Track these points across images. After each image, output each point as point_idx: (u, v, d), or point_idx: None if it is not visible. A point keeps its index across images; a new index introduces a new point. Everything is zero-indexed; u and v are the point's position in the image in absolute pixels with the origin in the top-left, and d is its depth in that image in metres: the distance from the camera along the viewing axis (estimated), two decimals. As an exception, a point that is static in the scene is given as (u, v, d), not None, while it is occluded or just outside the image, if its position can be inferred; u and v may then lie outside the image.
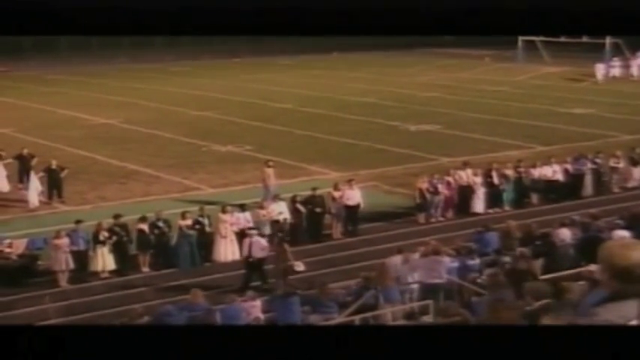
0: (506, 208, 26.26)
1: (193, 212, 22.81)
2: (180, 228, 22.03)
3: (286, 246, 20.74)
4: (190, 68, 69.55)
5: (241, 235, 21.94)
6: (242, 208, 23.06)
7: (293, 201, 23.70)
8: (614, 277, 3.79)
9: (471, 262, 18.31)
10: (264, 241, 20.82)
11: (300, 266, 20.42)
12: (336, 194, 24.26)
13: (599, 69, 59.24)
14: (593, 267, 15.46)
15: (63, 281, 20.68)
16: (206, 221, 22.38)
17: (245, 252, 20.75)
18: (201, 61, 75.01)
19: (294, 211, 23.53)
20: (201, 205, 24.00)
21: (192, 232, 22.04)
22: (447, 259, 18.24)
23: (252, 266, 20.38)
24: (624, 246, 3.87)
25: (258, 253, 20.38)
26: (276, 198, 23.93)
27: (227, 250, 22.18)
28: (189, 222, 22.17)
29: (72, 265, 20.77)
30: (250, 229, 21.47)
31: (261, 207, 23.37)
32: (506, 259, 18.08)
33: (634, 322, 3.65)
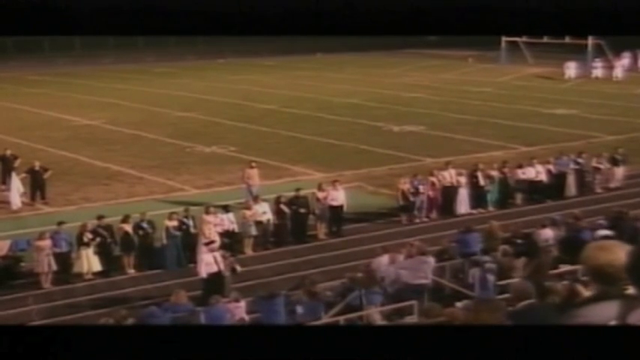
0: (490, 208, 26.34)
1: (179, 213, 22.75)
2: (167, 229, 21.98)
3: (224, 253, 20.34)
4: (174, 69, 69.43)
5: (226, 236, 21.92)
6: (226, 209, 23.02)
7: (277, 202, 23.68)
8: (594, 279, 3.87)
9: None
10: (209, 257, 19.86)
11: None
12: (321, 195, 24.26)
13: (569, 67, 59.91)
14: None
15: (46, 283, 20.59)
16: (190, 222, 22.33)
17: (200, 270, 19.89)
18: (185, 61, 74.91)
19: (279, 212, 23.52)
20: (185, 206, 23.95)
21: (178, 233, 22.00)
22: (432, 260, 18.29)
23: (208, 282, 19.76)
24: (600, 248, 3.95)
25: (204, 271, 19.69)
26: (259, 199, 23.92)
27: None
28: (175, 223, 22.12)
29: (54, 267, 20.67)
30: (209, 243, 20.52)
31: (247, 208, 23.33)
32: (488, 258, 18.17)
33: (614, 322, 3.69)
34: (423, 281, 17.70)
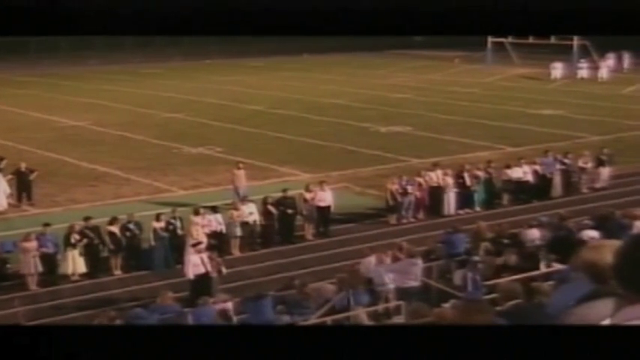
0: (477, 209, 26.40)
1: (166, 214, 22.70)
2: (155, 230, 21.92)
3: (211, 254, 20.21)
4: (161, 70, 69.26)
5: (213, 237, 21.92)
6: (214, 210, 23.00)
7: (264, 203, 23.66)
8: (588, 278, 3.91)
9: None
10: (196, 259, 19.76)
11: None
12: (308, 196, 24.26)
13: (555, 68, 60.34)
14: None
15: (32, 284, 20.51)
16: (178, 223, 22.29)
17: (188, 271, 19.74)
18: (171, 62, 74.75)
19: (266, 212, 23.50)
20: (172, 207, 23.89)
21: (165, 234, 21.95)
22: (420, 262, 18.28)
23: (196, 283, 19.64)
24: (594, 247, 4.00)
25: (191, 272, 19.61)
26: (246, 200, 23.91)
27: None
28: (162, 224, 22.08)
29: (40, 269, 20.59)
30: (197, 244, 20.48)
31: (235, 208, 23.28)
32: (479, 259, 18.22)
33: (607, 321, 3.71)
34: (413, 284, 17.69)
